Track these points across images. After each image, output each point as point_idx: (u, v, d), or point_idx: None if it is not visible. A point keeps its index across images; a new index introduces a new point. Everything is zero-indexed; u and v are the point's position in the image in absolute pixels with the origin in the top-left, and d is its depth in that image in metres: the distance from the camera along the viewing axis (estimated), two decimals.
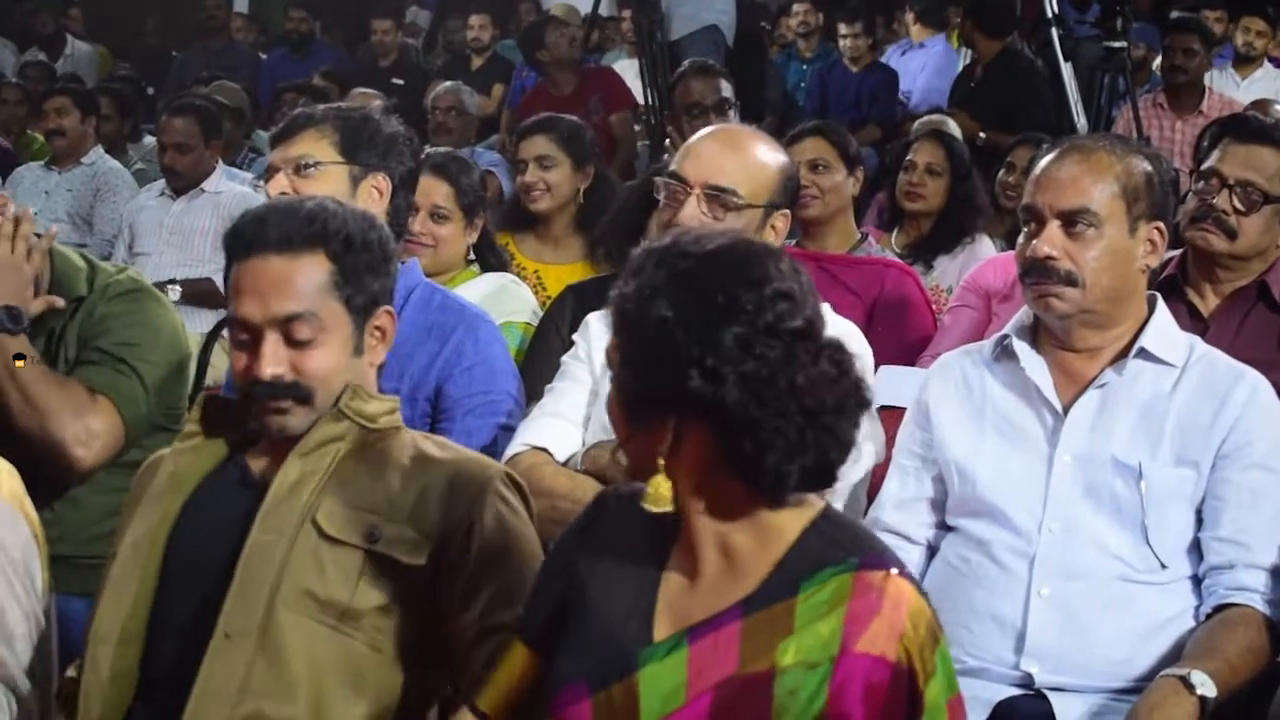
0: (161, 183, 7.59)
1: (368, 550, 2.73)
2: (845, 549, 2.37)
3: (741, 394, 2.28)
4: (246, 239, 2.80)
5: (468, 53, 12.14)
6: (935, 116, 8.08)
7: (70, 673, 2.93)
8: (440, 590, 2.74)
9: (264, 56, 13.19)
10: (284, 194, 3.61)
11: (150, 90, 11.78)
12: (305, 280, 2.77)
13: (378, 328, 2.86)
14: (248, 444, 2.89)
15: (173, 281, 6.90)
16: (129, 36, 14.73)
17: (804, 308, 2.33)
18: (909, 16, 11.45)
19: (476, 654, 2.71)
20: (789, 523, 2.38)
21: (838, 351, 2.34)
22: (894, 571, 2.35)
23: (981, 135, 7.39)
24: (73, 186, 8.16)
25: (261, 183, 3.91)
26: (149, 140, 9.07)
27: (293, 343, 2.76)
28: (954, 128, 7.47)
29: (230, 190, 7.48)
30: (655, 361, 2.30)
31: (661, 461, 2.35)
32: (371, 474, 2.79)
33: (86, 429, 3.56)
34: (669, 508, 2.38)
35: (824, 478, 2.35)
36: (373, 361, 2.87)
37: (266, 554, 2.72)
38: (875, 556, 2.38)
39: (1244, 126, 4.12)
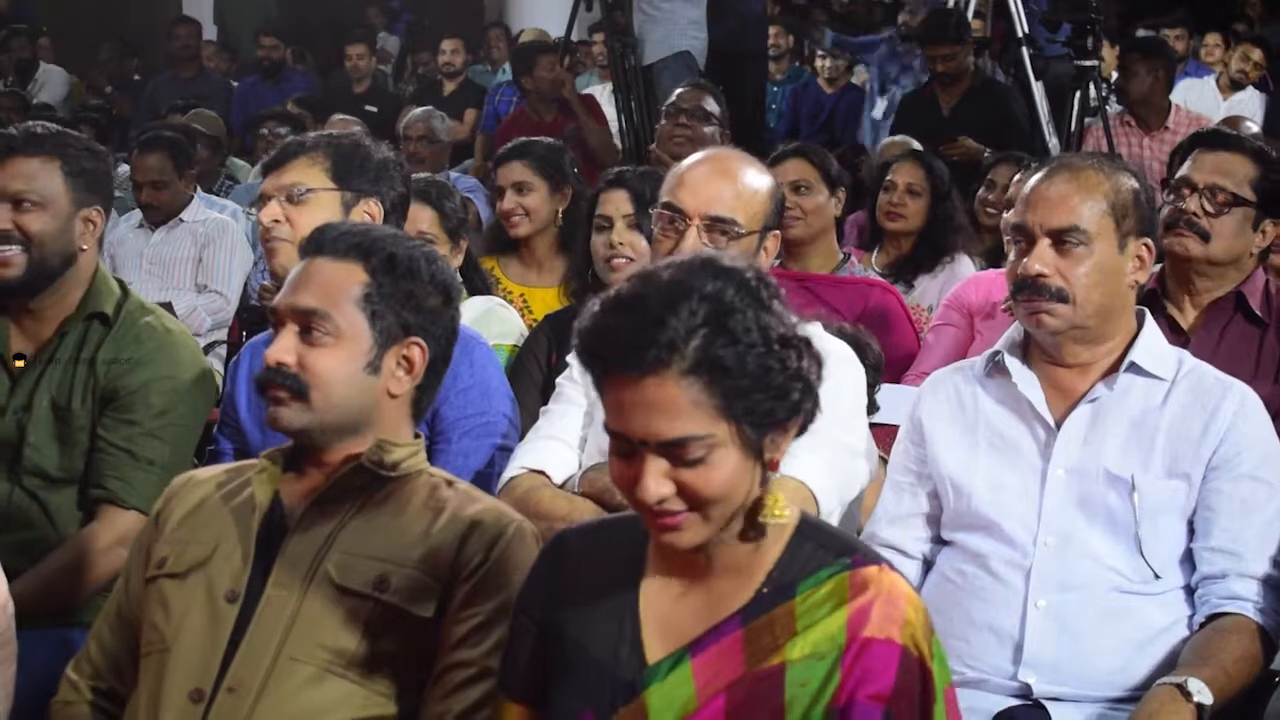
0: (139, 213, 7.61)
1: (377, 599, 2.75)
2: (834, 551, 2.42)
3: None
4: (311, 241, 2.90)
5: (439, 78, 12.18)
6: (901, 138, 8.11)
7: (68, 696, 2.95)
8: (446, 630, 2.75)
9: (235, 84, 13.19)
10: (276, 221, 3.65)
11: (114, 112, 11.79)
12: (334, 283, 2.83)
13: (405, 357, 2.87)
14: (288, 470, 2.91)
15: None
16: (96, 63, 14.73)
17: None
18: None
19: (472, 691, 2.71)
20: (773, 534, 2.41)
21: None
22: (885, 565, 2.41)
23: (987, 153, 7.42)
24: None
25: (253, 210, 3.93)
26: (122, 169, 9.06)
27: (307, 339, 2.82)
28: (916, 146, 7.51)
29: (208, 218, 7.51)
30: (779, 390, 2.32)
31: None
32: (388, 521, 2.82)
33: (119, 559, 3.51)
34: None
35: None
36: (392, 390, 2.87)
37: (278, 608, 2.75)
38: (864, 555, 2.44)
39: (1213, 137, 4.21)
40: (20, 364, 3.69)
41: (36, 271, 3.69)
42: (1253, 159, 4.04)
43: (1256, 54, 10.28)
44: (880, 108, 9.66)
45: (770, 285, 2.35)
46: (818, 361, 2.37)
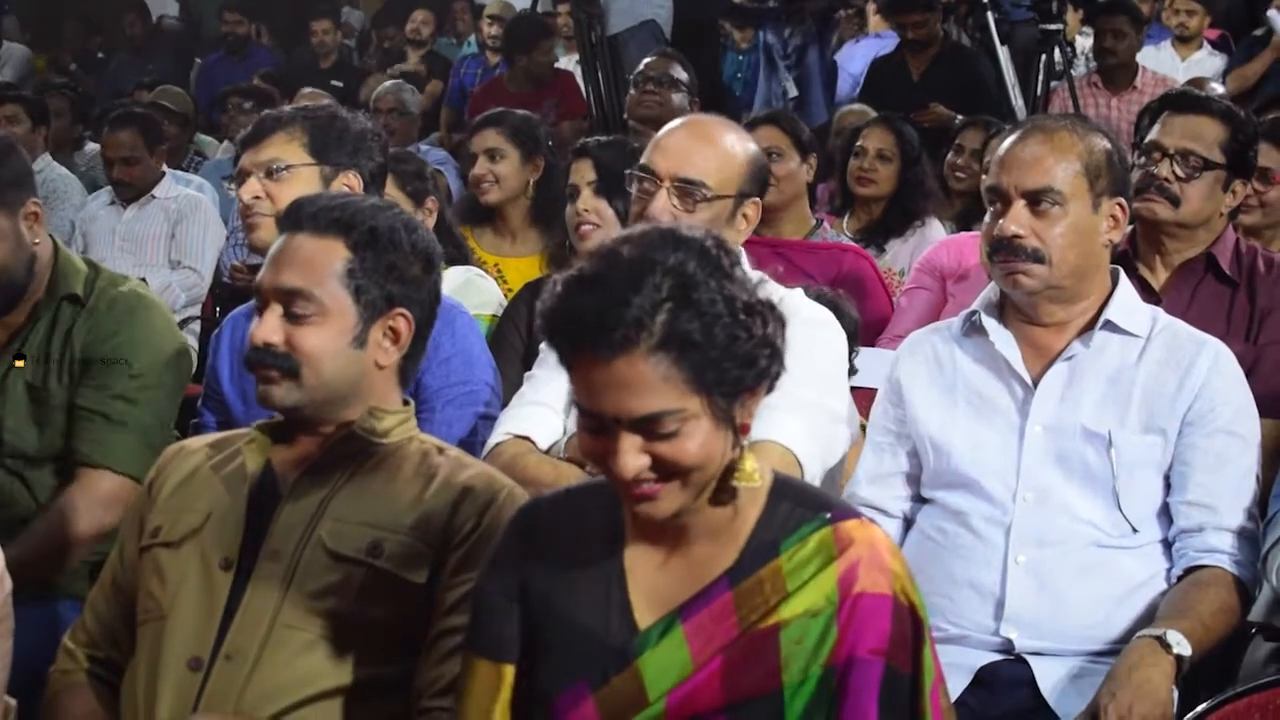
0: (109, 190, 7.62)
1: (370, 564, 2.78)
2: (812, 508, 2.44)
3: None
4: (289, 217, 2.91)
5: (404, 50, 12.17)
6: (858, 106, 8.14)
7: (65, 665, 2.97)
8: (439, 596, 2.78)
9: (199, 61, 13.17)
10: (256, 198, 3.67)
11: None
12: (316, 261, 2.84)
13: (391, 328, 2.89)
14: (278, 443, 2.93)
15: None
16: (60, 41, 14.66)
17: None
18: (870, 7, 11.58)
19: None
20: (749, 496, 2.43)
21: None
22: (864, 518, 2.45)
23: (958, 119, 7.47)
24: None
25: (231, 186, 3.94)
26: (91, 147, 9.05)
27: (291, 317, 2.83)
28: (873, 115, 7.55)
29: (180, 194, 7.53)
30: (748, 357, 2.32)
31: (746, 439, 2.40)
32: (379, 488, 2.85)
33: (98, 521, 3.59)
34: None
35: None
36: (380, 361, 2.89)
37: (272, 577, 2.78)
38: (842, 509, 2.47)
39: (1182, 99, 4.23)
40: (20, 364, 3.67)
41: (8, 292, 3.66)
42: (1222, 120, 4.06)
43: (1188, 3, 10.28)
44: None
45: (730, 253, 2.35)
46: (781, 323, 2.38)
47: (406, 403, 2.98)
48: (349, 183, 3.73)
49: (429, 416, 3.63)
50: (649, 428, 2.29)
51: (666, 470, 2.32)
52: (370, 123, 3.88)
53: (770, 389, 2.39)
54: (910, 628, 2.39)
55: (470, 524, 2.79)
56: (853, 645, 2.36)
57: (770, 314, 2.35)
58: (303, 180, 3.67)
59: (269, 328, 2.83)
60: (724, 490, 2.39)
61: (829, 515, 2.43)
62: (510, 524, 2.60)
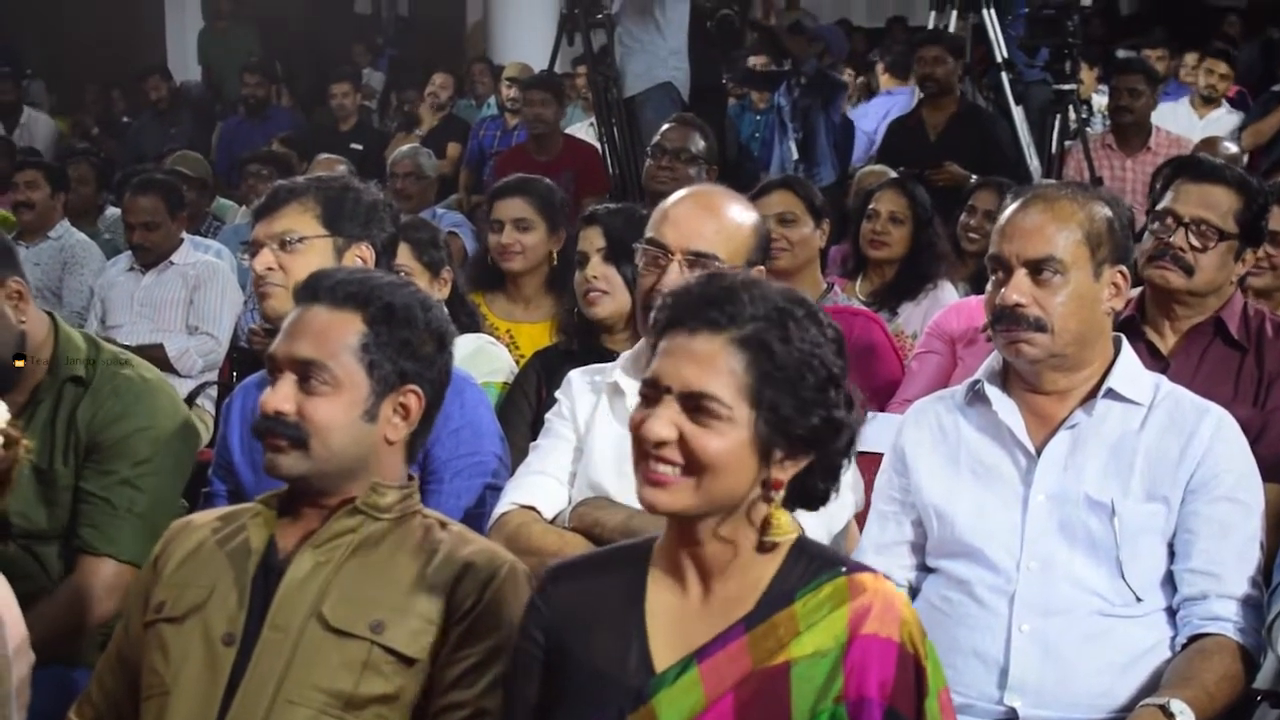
0: (128, 255, 7.67)
1: (372, 641, 2.79)
2: (831, 563, 2.55)
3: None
4: (306, 288, 2.94)
5: (422, 112, 12.24)
6: (878, 167, 8.16)
7: None
8: (440, 671, 2.79)
9: (220, 124, 13.27)
10: (270, 269, 3.69)
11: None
12: (332, 333, 2.86)
13: (401, 404, 2.91)
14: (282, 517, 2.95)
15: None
16: (83, 105, 14.79)
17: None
18: (879, 67, 11.69)
19: None
20: (773, 551, 2.54)
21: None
22: (878, 573, 2.55)
23: (973, 179, 7.48)
24: (40, 260, 8.19)
25: (245, 257, 3.97)
26: (112, 211, 9.11)
27: (306, 388, 2.85)
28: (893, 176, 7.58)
29: (198, 260, 7.58)
30: (804, 404, 2.47)
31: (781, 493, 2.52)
32: (381, 564, 2.86)
33: (101, 609, 3.63)
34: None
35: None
36: (390, 437, 2.91)
37: (275, 651, 2.79)
38: (858, 565, 2.57)
39: (1197, 167, 4.22)
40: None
41: None
42: (1236, 190, 4.07)
43: (1221, 67, 10.36)
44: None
45: (837, 330, 2.55)
46: (852, 416, 2.53)
47: (411, 478, 3.00)
48: (361, 254, 3.76)
49: (437, 488, 3.66)
50: (693, 406, 2.44)
51: (688, 456, 2.44)
52: (381, 193, 3.91)
53: (824, 497, 2.57)
54: (914, 676, 2.46)
55: (471, 600, 2.80)
56: (859, 686, 2.43)
57: (846, 401, 2.52)
58: (316, 251, 3.71)
59: (281, 397, 2.85)
60: (764, 538, 2.52)
61: (844, 569, 2.53)
62: (539, 583, 2.68)
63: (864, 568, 2.56)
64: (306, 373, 2.85)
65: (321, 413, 2.85)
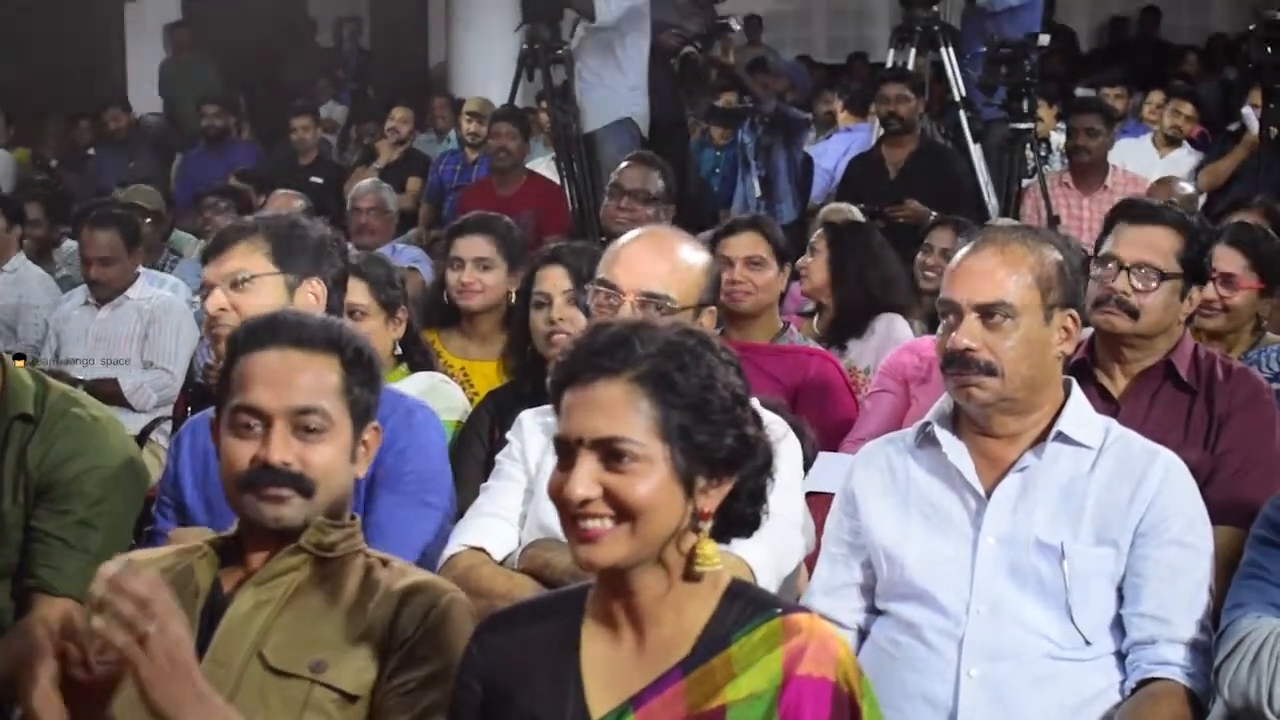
0: (84, 289, 7.64)
1: (313, 680, 2.78)
2: (765, 605, 2.54)
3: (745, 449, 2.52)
4: (263, 332, 2.88)
5: (381, 146, 12.24)
6: (841, 205, 8.16)
7: None
8: (382, 699, 2.78)
9: (179, 156, 13.24)
10: (223, 310, 3.68)
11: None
12: (320, 377, 2.85)
13: (364, 441, 2.93)
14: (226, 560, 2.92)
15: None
16: (39, 135, 14.74)
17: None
18: (838, 104, 11.74)
19: None
20: (708, 592, 2.54)
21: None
22: (814, 614, 2.54)
23: (933, 215, 7.48)
24: None
25: (197, 299, 3.95)
26: (69, 244, 9.08)
27: (301, 436, 2.83)
28: (857, 214, 7.57)
29: (153, 295, 7.55)
30: (715, 427, 2.47)
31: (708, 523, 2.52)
32: (323, 603, 2.84)
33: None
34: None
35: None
36: (358, 474, 2.94)
37: (217, 687, 2.72)
38: (794, 606, 2.58)
39: (1134, 209, 4.22)
40: None
41: None
42: (1175, 230, 4.06)
43: (1187, 108, 10.43)
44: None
45: (732, 353, 2.57)
46: (761, 433, 2.54)
47: (354, 517, 2.99)
48: (313, 289, 3.76)
49: (375, 504, 3.63)
50: (608, 454, 2.43)
51: (617, 505, 2.43)
52: (329, 229, 3.90)
53: (750, 523, 2.55)
54: (849, 716, 2.44)
55: (412, 627, 2.79)
56: None
57: (754, 419, 2.53)
58: (267, 289, 3.70)
59: (283, 447, 2.82)
60: (690, 569, 2.51)
61: (779, 610, 2.52)
62: (476, 630, 2.68)
63: (800, 609, 2.56)
64: (304, 420, 2.83)
65: (324, 458, 2.84)
